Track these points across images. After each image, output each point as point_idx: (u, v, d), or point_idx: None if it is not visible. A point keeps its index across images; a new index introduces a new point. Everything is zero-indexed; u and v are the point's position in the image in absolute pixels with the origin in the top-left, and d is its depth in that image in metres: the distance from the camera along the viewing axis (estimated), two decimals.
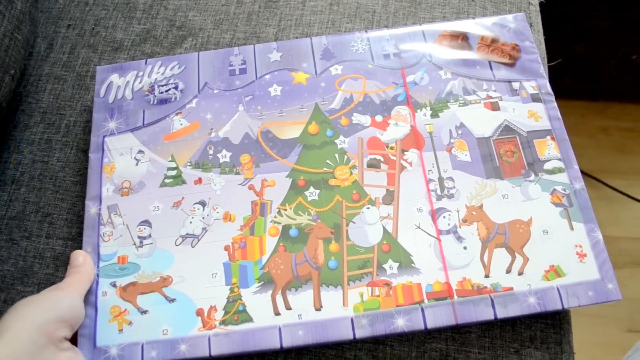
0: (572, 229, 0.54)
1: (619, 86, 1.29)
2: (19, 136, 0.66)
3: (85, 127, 0.65)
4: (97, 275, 0.54)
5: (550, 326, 0.54)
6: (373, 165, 0.57)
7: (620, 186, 1.27)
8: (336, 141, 0.59)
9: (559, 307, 0.50)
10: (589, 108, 1.35)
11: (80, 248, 0.56)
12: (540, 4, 0.71)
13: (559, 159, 0.57)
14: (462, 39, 0.63)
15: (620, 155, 1.31)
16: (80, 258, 0.54)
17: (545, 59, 0.66)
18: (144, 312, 0.52)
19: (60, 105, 0.68)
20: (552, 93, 0.60)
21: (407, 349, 0.54)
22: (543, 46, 0.67)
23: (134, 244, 0.55)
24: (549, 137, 0.58)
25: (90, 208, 0.57)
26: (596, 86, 1.30)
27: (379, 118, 0.59)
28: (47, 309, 0.46)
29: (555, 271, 0.52)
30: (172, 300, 0.53)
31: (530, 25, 0.68)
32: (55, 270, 0.59)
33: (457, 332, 0.54)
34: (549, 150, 0.57)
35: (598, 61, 1.21)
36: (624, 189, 1.27)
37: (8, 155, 0.66)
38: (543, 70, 0.61)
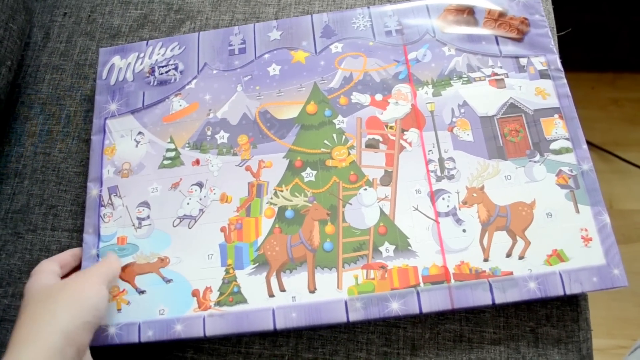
0: (577, 212, 0.51)
1: (629, 56, 1.23)
2: (20, 128, 0.66)
3: (85, 116, 0.65)
4: (97, 256, 0.55)
5: (566, 304, 0.53)
6: (372, 145, 0.56)
7: (632, 158, 1.21)
8: (334, 121, 0.57)
9: (560, 293, 0.49)
10: (599, 79, 1.29)
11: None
12: None
13: (567, 139, 0.54)
14: (467, 13, 0.60)
15: (632, 127, 1.25)
16: (111, 256, 0.54)
17: (555, 30, 0.63)
18: (142, 292, 0.53)
19: (60, 95, 0.67)
20: (562, 69, 0.57)
21: (421, 331, 0.53)
22: (552, 16, 0.64)
23: (133, 225, 0.56)
24: (556, 116, 0.55)
25: (92, 189, 0.58)
26: (606, 56, 1.24)
27: (378, 97, 0.58)
28: (74, 316, 0.44)
29: (558, 256, 0.50)
30: (169, 281, 0.53)
31: None
32: None
33: (471, 313, 0.53)
34: (557, 129, 0.54)
35: (608, 31, 1.15)
36: (636, 161, 1.21)
37: (10, 148, 0.66)
38: (553, 45, 0.58)
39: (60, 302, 0.45)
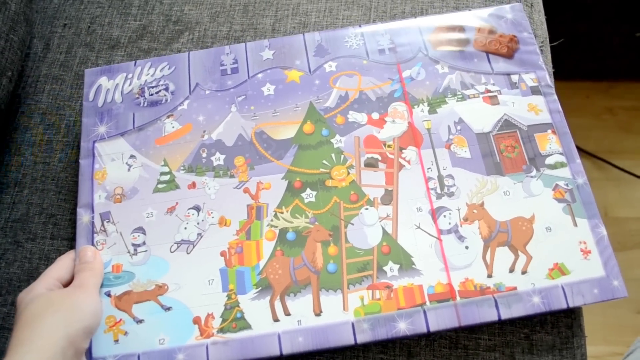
0: (575, 225, 0.52)
1: (623, 65, 1.26)
2: (20, 138, 0.66)
3: None
4: None
5: (560, 310, 0.53)
6: (371, 164, 0.56)
7: (627, 166, 1.24)
8: (332, 140, 0.57)
9: (563, 306, 0.49)
10: (593, 88, 1.32)
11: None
12: None
13: (561, 153, 0.55)
14: (458, 31, 0.61)
15: (627, 135, 1.28)
16: (90, 253, 0.53)
17: (548, 41, 0.64)
18: (140, 321, 0.51)
19: (60, 105, 0.67)
20: (552, 85, 0.58)
21: (417, 338, 0.53)
22: (545, 27, 0.66)
23: (128, 252, 0.54)
24: (550, 131, 0.56)
25: (83, 216, 0.56)
26: (600, 65, 1.27)
27: (375, 115, 0.58)
28: (76, 319, 0.45)
29: (559, 269, 0.51)
30: (168, 309, 0.51)
31: (531, 6, 0.66)
32: None
33: None
34: (550, 144, 0.56)
35: (601, 40, 1.18)
36: (631, 168, 1.24)
37: (9, 157, 0.65)
38: (542, 62, 0.59)
39: (61, 309, 0.46)
